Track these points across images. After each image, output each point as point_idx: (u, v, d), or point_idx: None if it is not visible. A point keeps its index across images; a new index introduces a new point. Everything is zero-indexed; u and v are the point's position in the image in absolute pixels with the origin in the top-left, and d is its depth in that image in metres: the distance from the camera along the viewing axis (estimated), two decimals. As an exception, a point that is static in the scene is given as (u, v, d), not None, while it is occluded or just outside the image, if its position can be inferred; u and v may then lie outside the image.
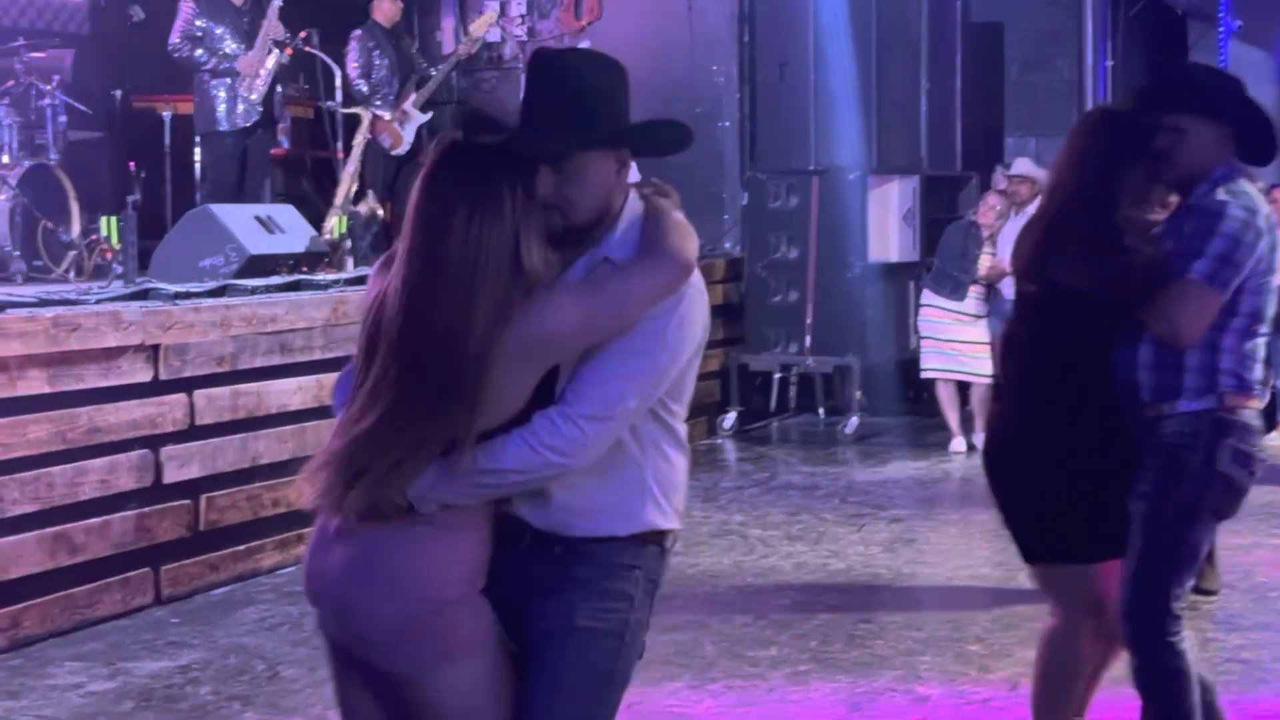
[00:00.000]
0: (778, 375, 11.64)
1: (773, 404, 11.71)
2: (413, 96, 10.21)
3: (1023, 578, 6.91)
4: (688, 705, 5.31)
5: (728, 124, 11.89)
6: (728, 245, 11.85)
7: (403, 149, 10.25)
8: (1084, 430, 4.10)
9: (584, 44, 11.33)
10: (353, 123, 10.10)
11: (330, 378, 7.50)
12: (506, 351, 2.79)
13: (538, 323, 2.81)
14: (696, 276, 2.97)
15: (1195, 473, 3.98)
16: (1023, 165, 10.12)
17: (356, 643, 2.93)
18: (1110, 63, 11.61)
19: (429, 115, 10.38)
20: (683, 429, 3.07)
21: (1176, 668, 4.01)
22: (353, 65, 10.12)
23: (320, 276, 8.11)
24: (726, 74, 11.85)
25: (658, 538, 3.03)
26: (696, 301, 2.97)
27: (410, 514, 2.86)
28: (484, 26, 10.22)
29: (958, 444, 10.23)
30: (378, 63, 10.21)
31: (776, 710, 5.26)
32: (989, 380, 10.10)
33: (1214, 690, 4.17)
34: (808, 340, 11.08)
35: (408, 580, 2.87)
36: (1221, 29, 12.23)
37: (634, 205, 2.99)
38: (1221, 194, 3.99)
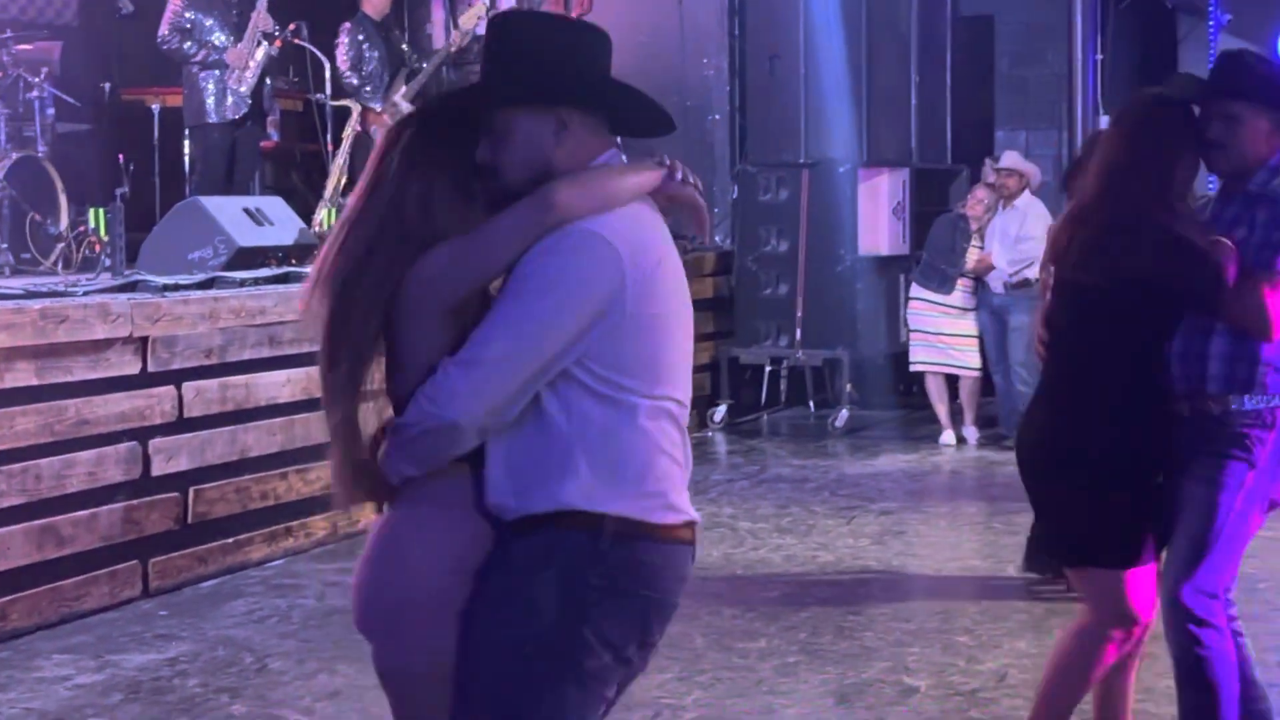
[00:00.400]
0: (768, 368, 11.64)
1: (763, 397, 11.71)
2: (403, 89, 10.19)
3: (1011, 569, 6.94)
4: (676, 697, 5.31)
5: (718, 117, 11.89)
6: (718, 238, 11.84)
7: (394, 141, 10.23)
8: (1130, 428, 4.01)
9: (574, 36, 11.32)
10: (342, 115, 10.09)
11: (317, 370, 7.49)
12: (403, 303, 2.78)
13: (417, 267, 2.77)
14: (611, 229, 2.74)
15: (1264, 467, 3.95)
16: (1011, 159, 10.12)
17: (361, 631, 2.93)
18: (1100, 56, 11.60)
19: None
20: (645, 405, 2.78)
21: (1224, 653, 3.95)
22: (343, 58, 10.10)
23: (309, 269, 8.09)
24: (717, 67, 11.85)
25: (585, 522, 2.75)
26: (590, 251, 2.72)
27: (395, 493, 2.84)
28: (474, 19, 10.20)
29: (947, 437, 10.24)
30: (368, 55, 10.19)
31: (765, 701, 5.26)
32: (977, 373, 10.14)
33: (1266, 698, 4.10)
34: (798, 333, 11.08)
35: (395, 563, 2.83)
36: (1211, 23, 12.22)
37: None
38: None
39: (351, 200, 2.91)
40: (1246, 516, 3.96)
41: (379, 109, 10.11)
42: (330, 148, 9.82)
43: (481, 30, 11.02)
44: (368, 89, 10.17)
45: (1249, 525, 3.98)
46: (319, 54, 9.89)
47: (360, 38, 10.19)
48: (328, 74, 9.87)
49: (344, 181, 9.58)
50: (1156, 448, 4.03)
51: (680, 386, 2.86)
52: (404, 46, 10.63)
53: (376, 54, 10.22)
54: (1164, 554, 4.11)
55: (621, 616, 2.77)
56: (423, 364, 2.76)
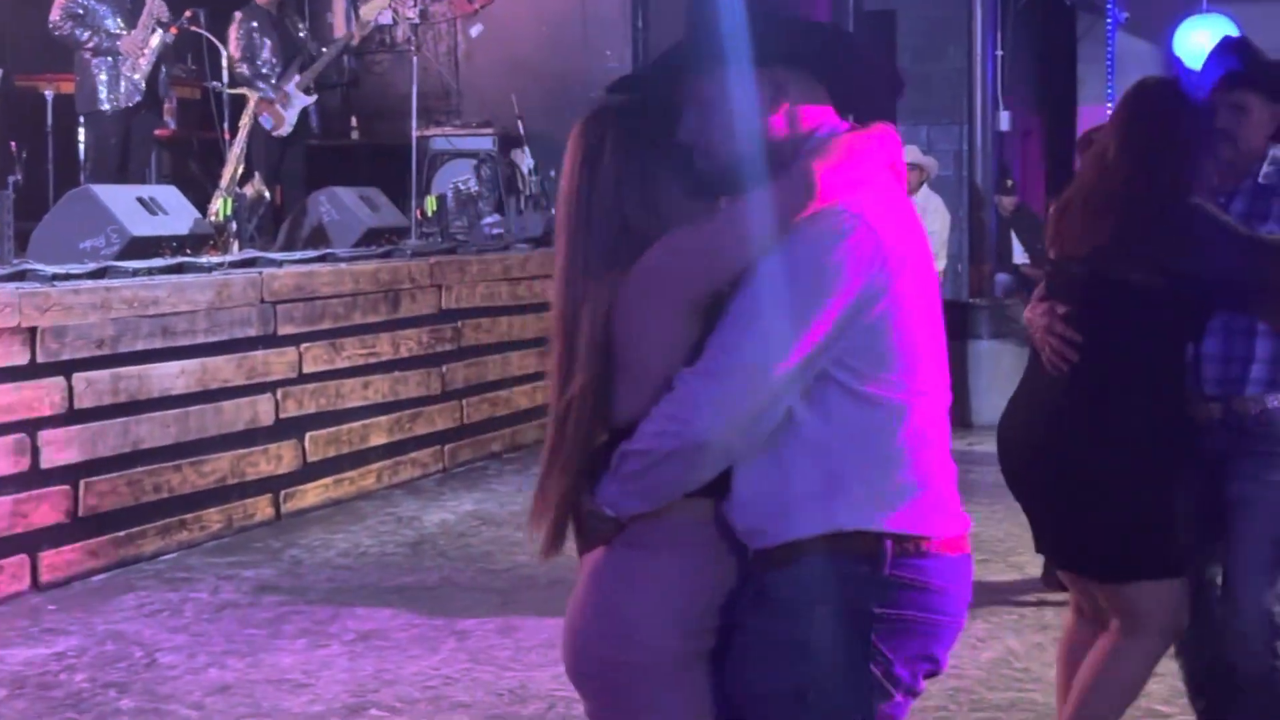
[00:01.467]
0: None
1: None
2: (296, 78, 10.08)
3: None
4: (572, 689, 5.25)
5: (621, 109, 11.85)
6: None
7: (285, 130, 10.12)
8: (1165, 432, 3.80)
9: (476, 28, 11.28)
10: (240, 104, 9.98)
11: (214, 361, 7.41)
12: (622, 307, 2.46)
13: (646, 257, 2.45)
14: (867, 208, 2.40)
15: None
16: (912, 153, 10.17)
17: (573, 683, 2.66)
18: (1000, 52, 11.71)
19: (314, 98, 10.27)
20: (913, 402, 2.44)
21: None
22: (234, 46, 9.98)
23: (204, 259, 8.00)
24: (620, 59, 11.82)
25: (862, 545, 2.41)
26: (850, 235, 2.38)
27: (619, 532, 2.49)
28: (374, 10, 10.13)
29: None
30: (259, 44, 10.07)
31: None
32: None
33: None
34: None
35: (610, 620, 2.51)
36: (1109, 20, 12.37)
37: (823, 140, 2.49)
38: None
39: (563, 195, 2.60)
40: None
41: (271, 98, 10.00)
42: (227, 136, 9.70)
43: (384, 20, 10.96)
44: (261, 78, 10.06)
45: None
46: (216, 41, 9.77)
47: (252, 26, 10.07)
48: (225, 62, 9.75)
49: (240, 171, 9.47)
50: (1185, 452, 3.86)
51: (943, 376, 2.53)
52: (301, 35, 10.53)
53: (269, 42, 10.10)
54: (1212, 563, 3.92)
55: (910, 648, 2.45)
56: (657, 373, 2.44)
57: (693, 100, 2.49)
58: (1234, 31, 11.78)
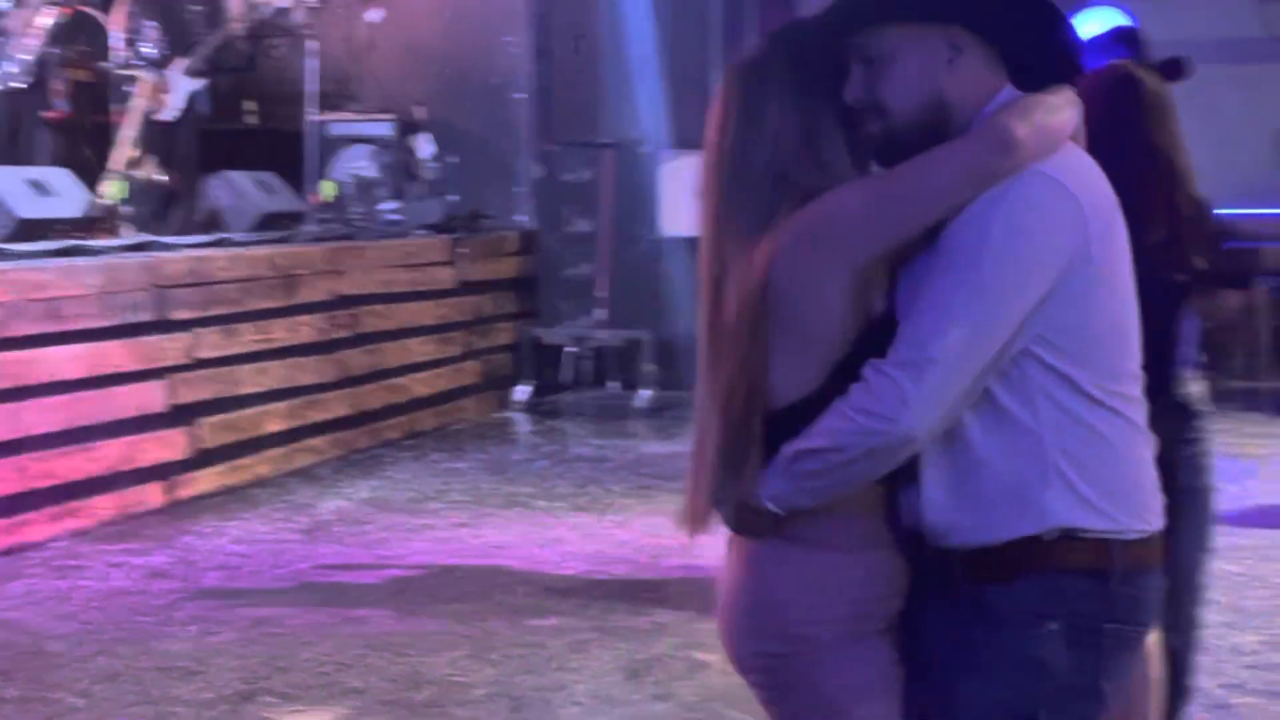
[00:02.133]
0: (571, 349, 11.62)
1: (566, 377, 11.69)
2: (182, 62, 9.93)
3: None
4: (465, 674, 5.27)
5: (522, 96, 11.82)
6: (521, 218, 11.79)
7: (168, 114, 9.96)
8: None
9: (376, 13, 11.18)
10: (130, 86, 9.80)
11: (105, 346, 7.30)
12: (782, 263, 2.25)
13: (815, 209, 2.25)
14: (1066, 173, 2.24)
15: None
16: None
17: (740, 675, 2.49)
18: (901, 42, 11.77)
19: (203, 81, 10.12)
20: (1119, 385, 2.27)
21: None
22: (120, 28, 9.80)
23: (95, 242, 7.87)
24: (521, 45, 11.78)
25: (1090, 550, 2.22)
26: (1053, 201, 2.20)
27: (781, 528, 2.32)
28: (269, -9, 9.99)
29: (747, 417, 10.32)
30: (145, 26, 9.90)
31: (555, 678, 5.24)
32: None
33: None
34: (601, 314, 11.07)
35: (767, 609, 2.37)
36: (1006, 13, 12.48)
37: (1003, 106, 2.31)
38: None
39: (714, 151, 2.40)
40: None
41: (156, 81, 9.83)
42: (120, 119, 9.54)
43: (281, 4, 10.81)
44: (146, 60, 9.87)
45: None
46: (107, 22, 9.60)
47: (137, 9, 9.88)
48: (115, 43, 9.58)
49: (133, 154, 9.31)
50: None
51: (1139, 358, 2.34)
52: (189, 18, 10.35)
53: (155, 24, 9.93)
54: None
55: (1124, 664, 2.31)
56: (823, 345, 2.26)
57: (863, 57, 2.30)
58: (1126, 23, 11.93)
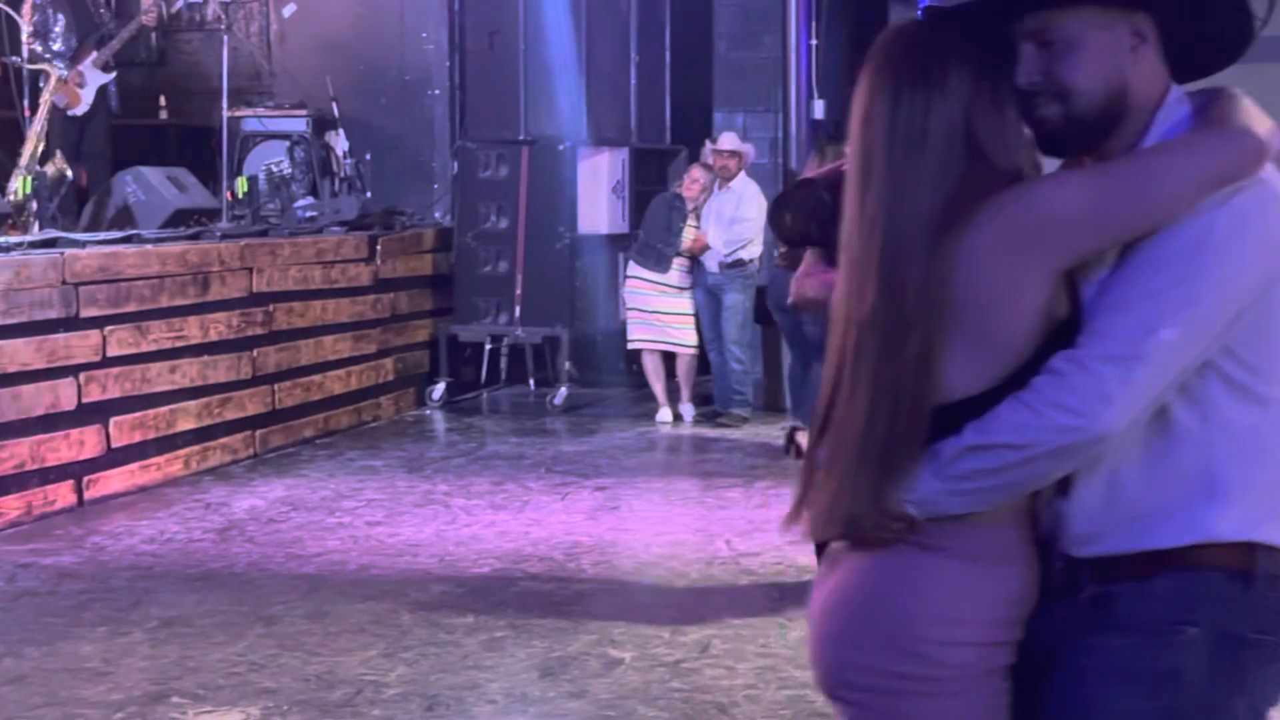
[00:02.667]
0: (488, 346, 11.59)
1: (483, 375, 11.66)
2: (93, 56, 9.82)
3: (720, 543, 7.04)
4: (379, 673, 5.24)
5: (437, 92, 11.78)
6: (437, 215, 11.74)
7: (80, 109, 9.84)
8: None
9: (289, 8, 11.09)
10: (40, 80, 9.68)
11: (12, 344, 7.19)
12: (978, 257, 2.09)
13: (1025, 205, 2.10)
14: (1272, 179, 2.12)
15: None
16: (729, 140, 10.27)
17: (830, 696, 2.27)
18: (815, 41, 11.81)
19: (113, 75, 10.01)
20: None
21: None
22: (27, 22, 9.68)
23: (3, 239, 7.76)
24: (436, 42, 11.73)
25: (1234, 558, 2.11)
26: (1268, 207, 2.09)
27: (906, 535, 2.15)
28: (180, -15, 9.90)
29: (664, 414, 10.34)
30: (53, 19, 9.78)
31: (469, 676, 5.22)
32: (693, 351, 10.27)
33: None
34: (517, 311, 11.05)
35: (893, 622, 2.16)
36: (920, 12, 12.56)
37: (1179, 101, 2.20)
38: None
39: (882, 129, 2.19)
40: None
41: (66, 75, 9.72)
42: (27, 113, 9.41)
43: (193, -1, 10.70)
44: (55, 55, 9.75)
45: None
46: (14, 15, 9.47)
47: (45, 2, 9.76)
48: (24, 37, 9.46)
49: (41, 149, 9.19)
50: None
51: None
52: (100, 12, 10.24)
53: (63, 19, 9.81)
54: None
55: (1270, 678, 2.18)
56: (1009, 341, 2.10)
57: (1040, 39, 2.16)
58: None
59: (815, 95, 11.60)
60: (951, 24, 2.21)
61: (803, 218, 3.81)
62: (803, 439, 9.18)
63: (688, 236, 10.08)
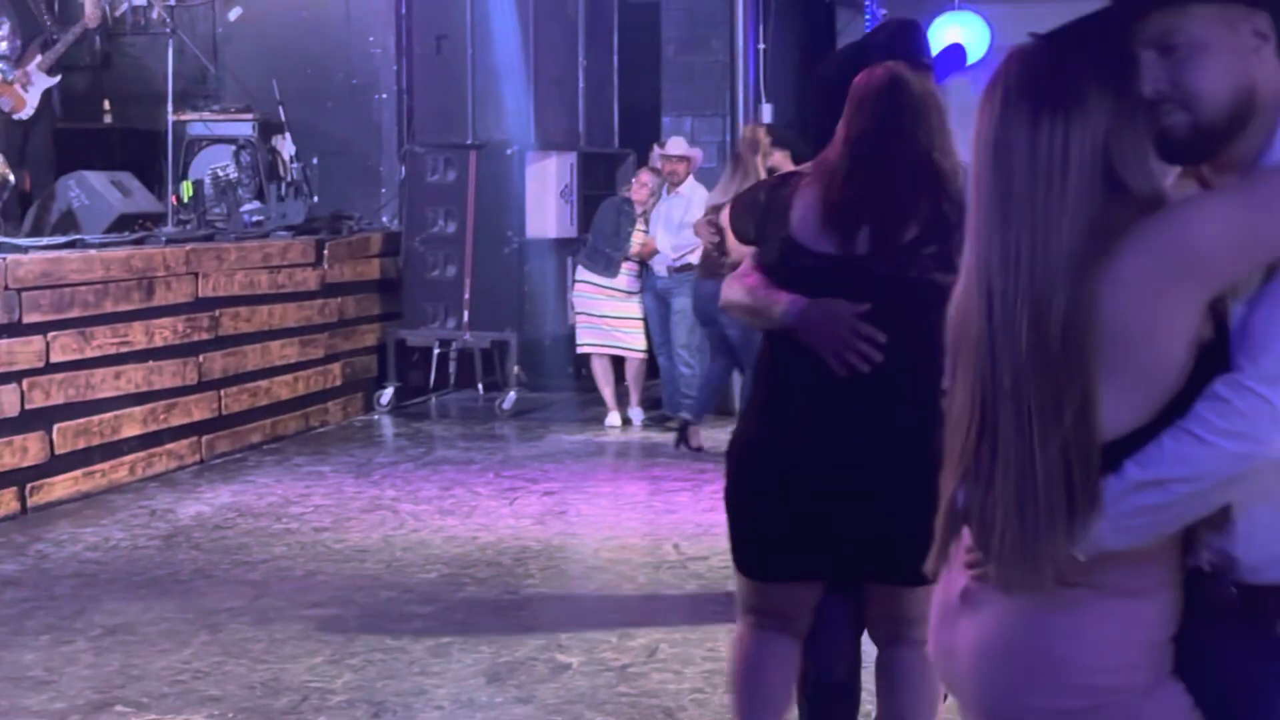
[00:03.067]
0: (436, 350, 11.56)
1: (431, 379, 11.63)
2: (38, 59, 9.74)
3: (668, 547, 7.05)
4: (325, 680, 5.21)
5: (385, 96, 11.74)
6: (385, 219, 11.70)
7: (25, 113, 9.77)
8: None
9: (235, 11, 11.04)
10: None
11: (-47, 350, 7.12)
12: (1128, 289, 2.01)
13: (1173, 233, 2.01)
14: None
15: None
16: (677, 145, 10.27)
17: None
18: (762, 46, 11.85)
19: (58, 79, 9.93)
20: None
21: None
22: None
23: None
24: (383, 45, 11.70)
25: None
26: None
27: (1070, 578, 2.08)
28: (124, -12, 9.84)
29: (612, 418, 10.34)
30: (-2, 22, 9.71)
31: (416, 683, 5.21)
32: (642, 355, 10.27)
33: None
34: (465, 315, 11.03)
35: (1061, 664, 2.11)
36: (868, 17, 12.62)
37: None
38: None
39: (1015, 157, 2.09)
40: None
41: (10, 79, 9.64)
42: (-29, 117, 9.34)
43: (138, 2, 10.64)
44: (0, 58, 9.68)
45: None
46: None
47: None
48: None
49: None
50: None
51: None
52: (44, 15, 10.16)
53: (7, 22, 9.74)
54: None
55: None
56: (1164, 374, 2.03)
57: (1162, 44, 2.09)
58: (984, 29, 12.12)
59: (763, 99, 11.64)
60: (1076, 43, 2.13)
61: (745, 218, 3.82)
62: (695, 435, 9.17)
63: (636, 241, 10.08)
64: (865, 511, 3.54)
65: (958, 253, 3.29)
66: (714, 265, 8.80)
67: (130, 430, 8.38)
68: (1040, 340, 2.03)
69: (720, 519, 7.42)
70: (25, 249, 8.06)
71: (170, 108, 10.25)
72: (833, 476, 3.54)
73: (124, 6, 10.10)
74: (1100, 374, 2.03)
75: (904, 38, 3.87)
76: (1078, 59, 2.09)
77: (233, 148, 10.84)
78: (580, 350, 10.46)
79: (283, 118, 10.84)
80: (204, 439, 9.02)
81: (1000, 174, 2.09)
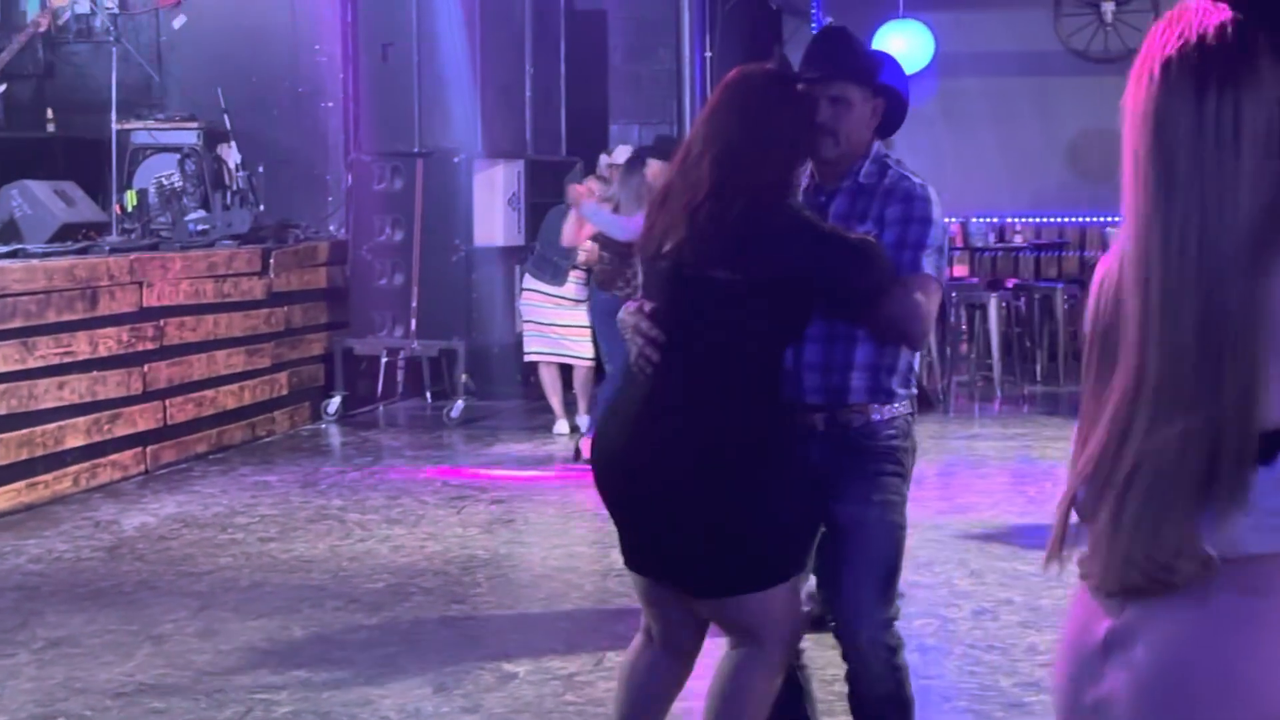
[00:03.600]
0: (384, 359, 11.53)
1: (379, 388, 11.59)
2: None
3: (615, 555, 7.04)
4: (270, 692, 5.19)
5: (331, 104, 11.69)
6: (332, 228, 11.66)
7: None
8: (751, 440, 3.57)
9: (179, 20, 10.98)
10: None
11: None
12: None
13: None
14: None
15: (909, 474, 3.79)
16: (624, 153, 10.29)
17: None
18: (709, 54, 11.90)
19: (2, 88, 9.86)
20: None
21: (909, 693, 3.79)
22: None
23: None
24: (329, 53, 11.65)
25: None
26: None
27: (1207, 581, 1.87)
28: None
29: (561, 426, 10.34)
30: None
31: (362, 693, 5.19)
32: (590, 363, 10.26)
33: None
34: (413, 324, 11.01)
35: (1252, 686, 1.85)
36: (814, 24, 12.69)
37: None
38: (908, 173, 3.76)
39: (1177, 146, 1.88)
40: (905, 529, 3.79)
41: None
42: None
43: (80, 10, 10.57)
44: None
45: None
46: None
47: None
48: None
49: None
50: (786, 461, 3.64)
51: None
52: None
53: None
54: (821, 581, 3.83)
55: None
56: None
57: None
58: (929, 38, 12.20)
59: (710, 107, 11.68)
60: (1246, 1, 1.91)
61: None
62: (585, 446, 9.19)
63: (583, 249, 10.08)
64: (638, 516, 3.67)
65: (751, 253, 3.46)
66: (609, 277, 8.94)
67: (74, 441, 8.33)
68: (1210, 327, 1.86)
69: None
70: (-34, 259, 7.99)
71: (114, 116, 10.18)
72: (607, 479, 3.67)
73: (67, 15, 10.01)
74: (1269, 363, 1.85)
75: (811, 46, 3.92)
76: (1249, 18, 1.88)
77: (177, 156, 10.77)
78: (528, 358, 10.46)
79: (228, 126, 10.78)
80: (149, 449, 8.97)
81: (1161, 152, 1.88)
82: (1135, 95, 1.90)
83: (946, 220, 3.90)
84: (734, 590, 3.62)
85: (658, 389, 3.59)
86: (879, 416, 3.72)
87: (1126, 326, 1.93)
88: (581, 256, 10.06)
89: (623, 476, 3.65)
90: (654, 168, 8.72)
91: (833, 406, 3.71)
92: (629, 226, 8.68)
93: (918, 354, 3.84)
